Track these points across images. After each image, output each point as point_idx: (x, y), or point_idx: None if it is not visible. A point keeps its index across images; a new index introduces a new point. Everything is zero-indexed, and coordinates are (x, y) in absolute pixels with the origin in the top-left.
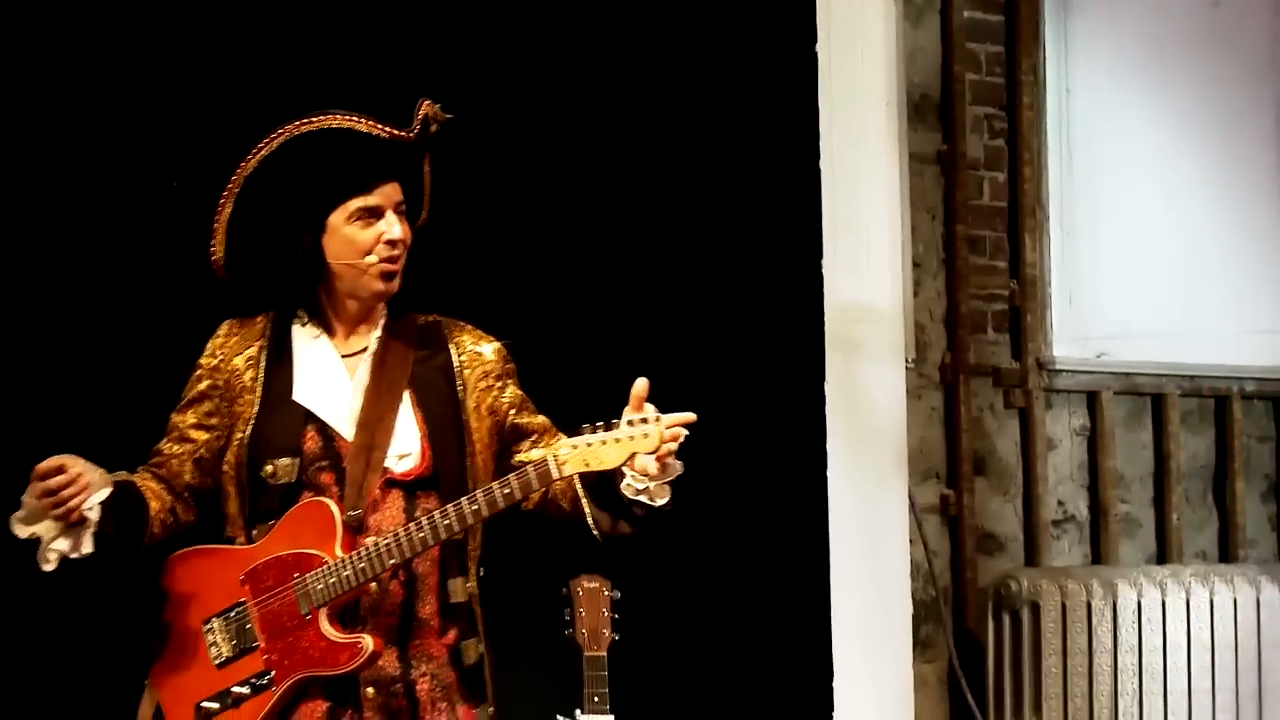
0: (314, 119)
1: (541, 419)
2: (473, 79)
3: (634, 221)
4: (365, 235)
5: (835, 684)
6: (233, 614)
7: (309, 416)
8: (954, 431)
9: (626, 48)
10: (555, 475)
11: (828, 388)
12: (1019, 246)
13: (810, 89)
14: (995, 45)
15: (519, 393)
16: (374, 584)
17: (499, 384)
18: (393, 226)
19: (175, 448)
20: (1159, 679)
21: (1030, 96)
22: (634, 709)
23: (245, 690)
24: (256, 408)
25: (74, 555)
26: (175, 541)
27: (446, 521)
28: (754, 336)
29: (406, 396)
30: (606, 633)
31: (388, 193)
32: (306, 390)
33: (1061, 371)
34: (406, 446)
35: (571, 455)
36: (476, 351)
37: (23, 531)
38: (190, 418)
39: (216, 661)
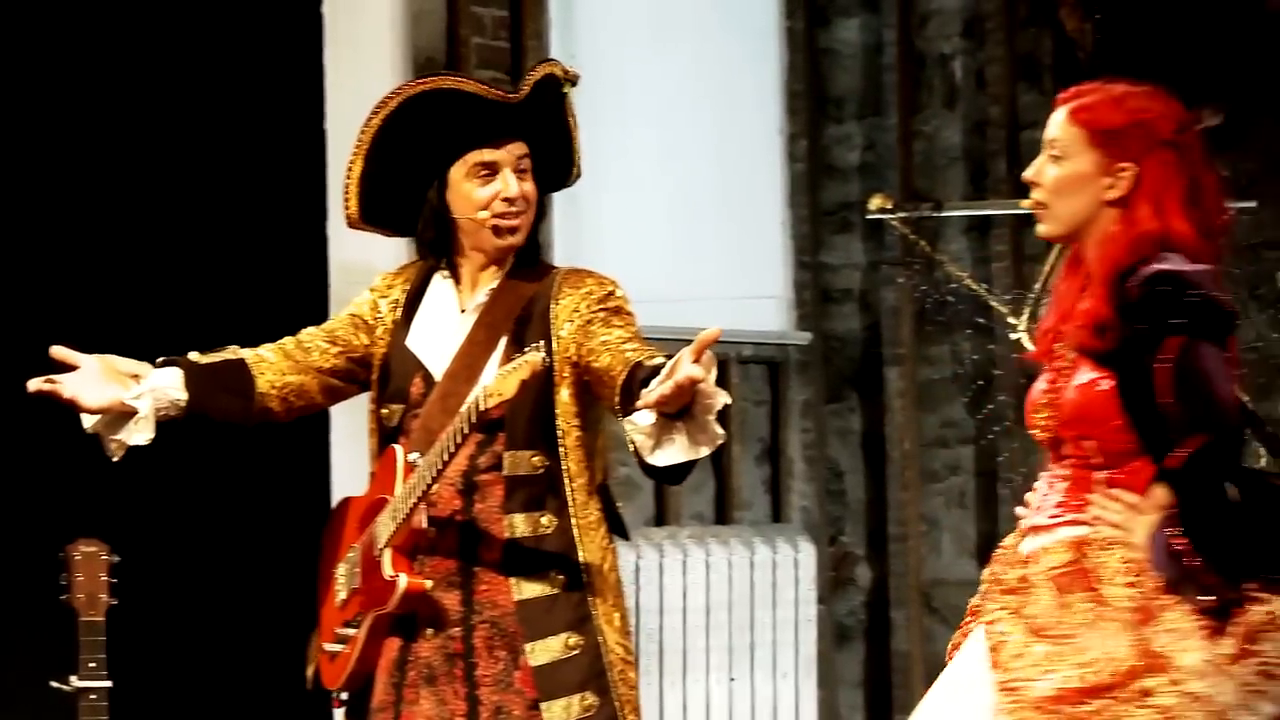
0: (428, 79)
1: (605, 361)
2: None
3: (140, 182)
4: (482, 191)
5: None
6: (350, 557)
7: (419, 364)
8: None
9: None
10: (482, 407)
11: None
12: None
13: (315, 50)
14: (500, 10)
15: (605, 332)
16: (432, 528)
17: (587, 320)
18: (509, 183)
19: (315, 329)
20: (655, 639)
21: (535, 61)
22: (132, 675)
23: (349, 631)
24: (384, 351)
25: (133, 444)
26: None
27: (423, 467)
28: (260, 297)
29: (502, 346)
30: (104, 597)
31: (508, 150)
32: (419, 338)
33: None
34: None
35: (489, 387)
36: (572, 290)
37: (86, 424)
38: (338, 320)
39: (338, 603)
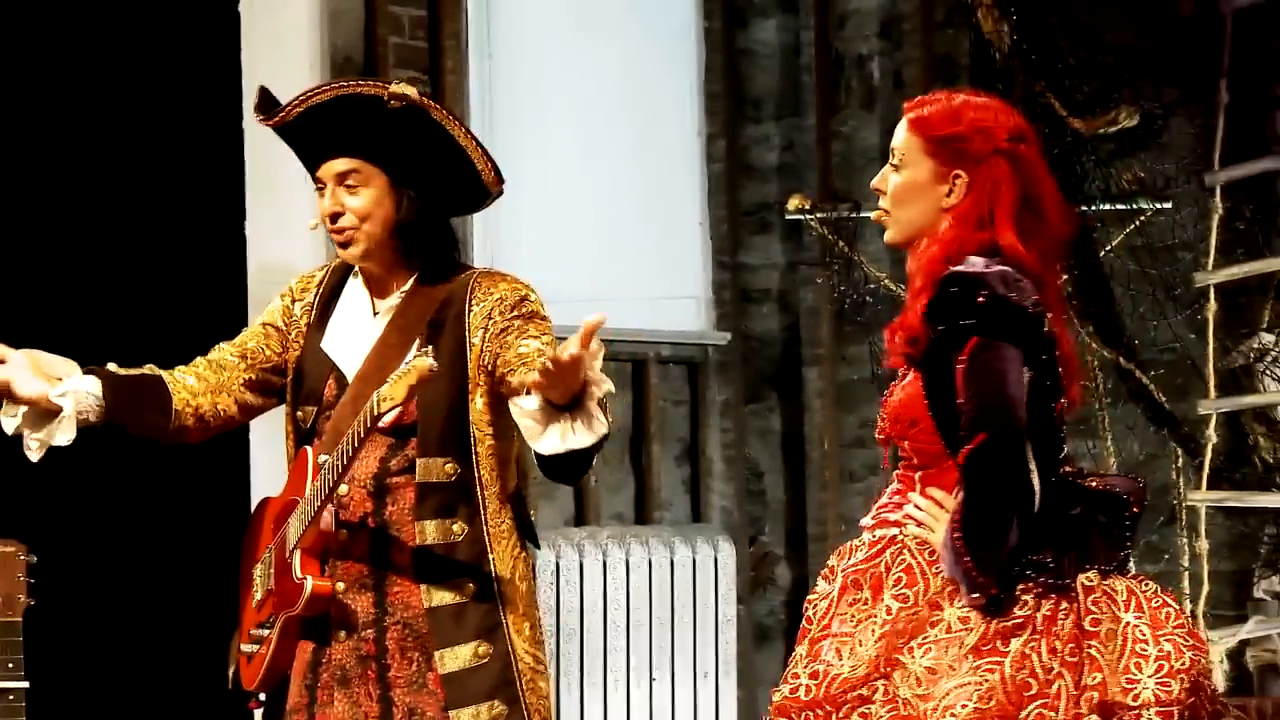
0: (259, 94)
1: (522, 377)
2: None
3: (56, 182)
4: (320, 205)
5: None
6: (265, 558)
7: (333, 366)
8: None
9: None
10: (375, 411)
11: None
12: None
13: (233, 49)
14: (418, 9)
15: (521, 343)
16: (343, 530)
17: (502, 329)
18: (326, 200)
19: (227, 345)
20: (576, 640)
21: (453, 61)
22: (50, 675)
23: (263, 632)
24: (297, 354)
25: (55, 444)
26: None
27: (325, 469)
28: (179, 298)
29: (415, 348)
30: (21, 598)
31: (327, 167)
32: (333, 341)
33: None
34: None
35: (382, 391)
36: (489, 293)
37: (8, 425)
38: (250, 332)
39: (255, 604)
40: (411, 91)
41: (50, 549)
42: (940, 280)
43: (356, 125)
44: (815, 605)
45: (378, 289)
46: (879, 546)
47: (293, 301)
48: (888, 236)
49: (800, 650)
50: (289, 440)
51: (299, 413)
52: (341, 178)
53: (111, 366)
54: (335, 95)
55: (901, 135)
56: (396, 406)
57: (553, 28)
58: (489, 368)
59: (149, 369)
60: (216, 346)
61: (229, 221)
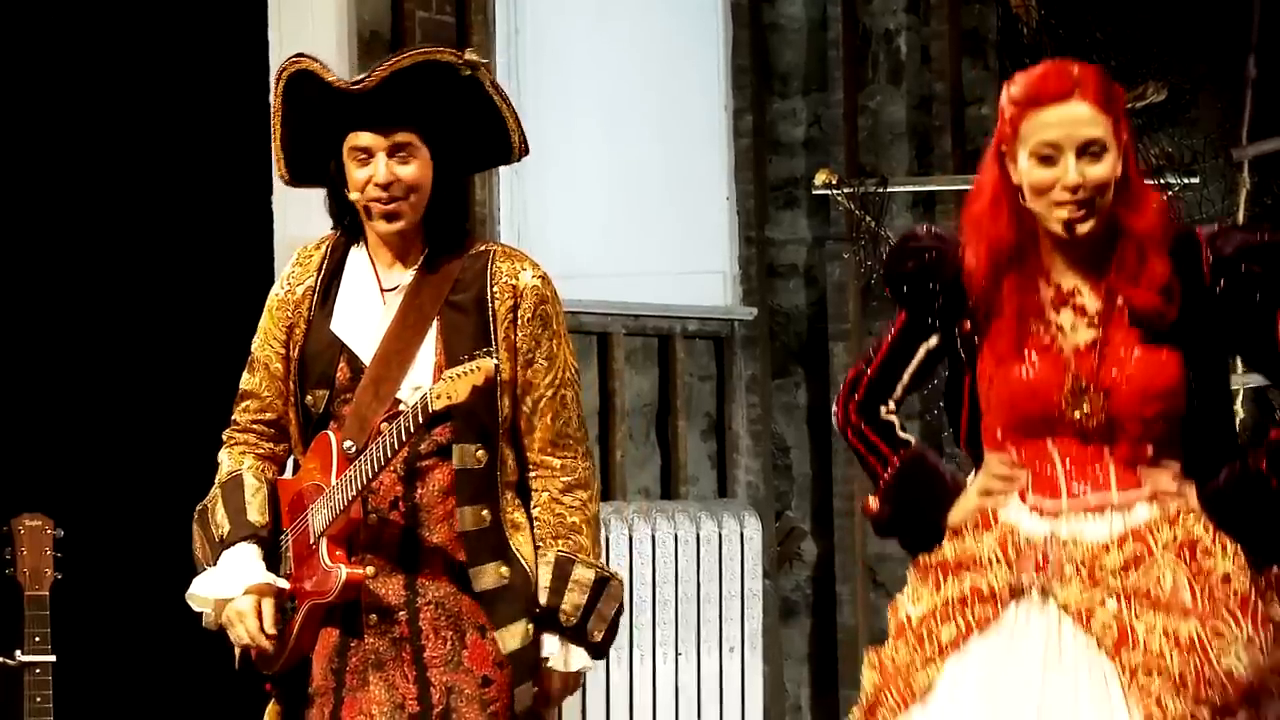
0: (298, 60)
1: (540, 378)
2: None
3: (80, 157)
4: (359, 174)
5: None
6: (279, 541)
7: (344, 348)
8: None
9: None
10: (431, 408)
11: None
12: (469, 185)
13: (260, 24)
14: None
15: (545, 333)
16: (372, 515)
17: (524, 318)
18: (379, 169)
19: (264, 384)
20: None
21: (480, 36)
22: (76, 649)
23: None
24: (303, 338)
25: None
26: None
27: (363, 460)
28: (204, 273)
29: (434, 329)
30: (49, 572)
31: (383, 136)
32: (343, 321)
33: None
34: (419, 380)
35: (438, 389)
36: (511, 283)
37: (196, 604)
38: (268, 350)
39: None
40: (481, 60)
41: (77, 524)
42: (1267, 248)
43: (417, 95)
44: (1086, 601)
45: (387, 263)
46: (1169, 522)
47: (289, 295)
48: (1088, 229)
49: (1175, 627)
50: (295, 425)
51: (308, 398)
52: (396, 148)
53: (255, 518)
54: (418, 61)
55: (1091, 118)
56: (452, 404)
57: (580, 2)
58: (512, 382)
59: (251, 475)
60: (243, 406)
61: (256, 197)
